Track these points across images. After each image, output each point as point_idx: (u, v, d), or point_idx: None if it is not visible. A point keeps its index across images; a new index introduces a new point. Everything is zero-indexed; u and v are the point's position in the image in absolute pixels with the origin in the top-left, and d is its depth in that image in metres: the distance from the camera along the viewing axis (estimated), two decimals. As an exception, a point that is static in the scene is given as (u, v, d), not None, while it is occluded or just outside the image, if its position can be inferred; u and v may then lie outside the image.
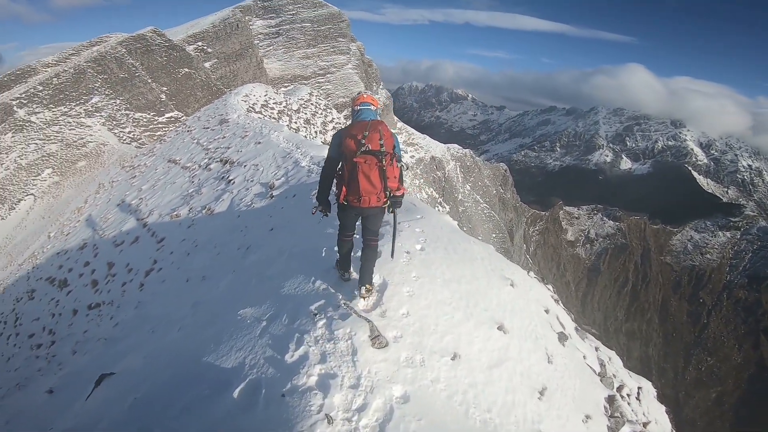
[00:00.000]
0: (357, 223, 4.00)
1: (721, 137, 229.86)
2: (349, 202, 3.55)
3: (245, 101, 23.28)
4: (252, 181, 11.36)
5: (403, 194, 3.78)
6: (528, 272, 6.88)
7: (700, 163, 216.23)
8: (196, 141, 19.29)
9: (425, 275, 4.39)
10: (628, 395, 5.85)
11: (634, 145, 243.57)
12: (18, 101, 32.66)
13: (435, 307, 4.00)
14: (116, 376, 4.17)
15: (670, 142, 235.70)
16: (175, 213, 12.09)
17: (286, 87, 48.68)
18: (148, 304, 8.24)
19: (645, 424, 5.40)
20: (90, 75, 35.57)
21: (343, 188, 3.51)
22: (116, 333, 7.78)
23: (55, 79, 34.34)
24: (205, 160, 15.74)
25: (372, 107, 3.73)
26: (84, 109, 34.87)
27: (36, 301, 12.59)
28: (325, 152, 11.78)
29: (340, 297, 4.00)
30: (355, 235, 4.12)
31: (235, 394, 2.95)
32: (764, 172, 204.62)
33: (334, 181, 3.74)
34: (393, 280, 4.22)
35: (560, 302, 6.94)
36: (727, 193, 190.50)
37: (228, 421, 2.74)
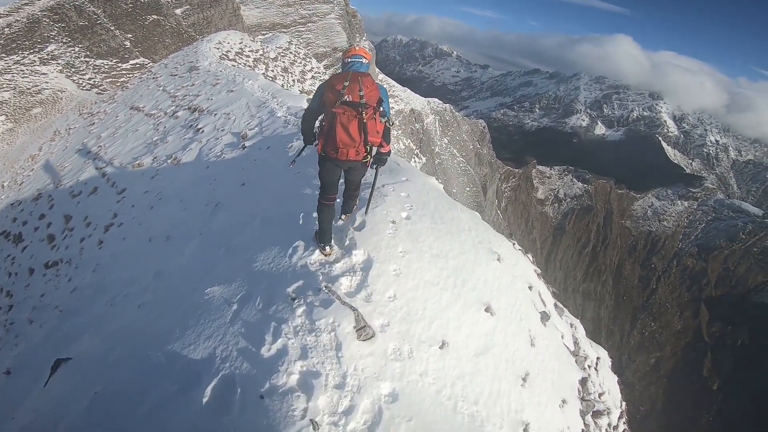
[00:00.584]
0: (339, 184, 3.86)
1: (694, 112, 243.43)
2: (326, 153, 3.38)
3: (218, 48, 21.71)
4: (223, 130, 10.54)
5: (389, 152, 3.69)
6: (513, 244, 6.76)
7: (670, 134, 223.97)
8: (162, 88, 17.91)
9: (412, 250, 4.10)
10: (590, 366, 5.97)
11: (610, 113, 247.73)
12: None
13: (423, 288, 3.77)
14: (73, 361, 3.78)
15: (645, 113, 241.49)
16: (137, 162, 11.19)
17: (264, 35, 45.89)
18: (106, 267, 7.61)
19: (600, 395, 5.54)
20: (45, 24, 33.03)
21: (322, 138, 3.37)
22: (73, 302, 7.19)
23: (7, 29, 32.00)
24: (172, 108, 14.61)
25: (363, 60, 3.55)
26: (39, 57, 32.79)
27: None
28: (302, 103, 11.33)
29: (320, 278, 3.61)
30: (337, 200, 3.96)
31: (207, 392, 2.66)
32: (730, 148, 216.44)
33: (317, 124, 3.61)
34: (379, 256, 3.89)
35: (541, 276, 6.88)
36: (691, 164, 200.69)
37: (201, 426, 2.48)
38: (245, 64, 21.06)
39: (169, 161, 10.37)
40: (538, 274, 6.51)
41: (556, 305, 6.40)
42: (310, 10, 57.90)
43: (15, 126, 28.92)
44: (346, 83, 3.20)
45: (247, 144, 8.98)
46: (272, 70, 23.03)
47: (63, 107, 29.34)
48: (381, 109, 3.33)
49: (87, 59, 33.82)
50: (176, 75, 19.06)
